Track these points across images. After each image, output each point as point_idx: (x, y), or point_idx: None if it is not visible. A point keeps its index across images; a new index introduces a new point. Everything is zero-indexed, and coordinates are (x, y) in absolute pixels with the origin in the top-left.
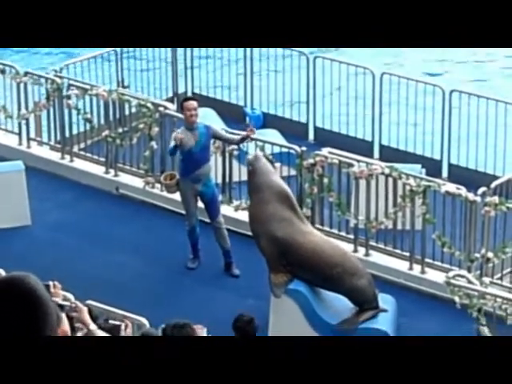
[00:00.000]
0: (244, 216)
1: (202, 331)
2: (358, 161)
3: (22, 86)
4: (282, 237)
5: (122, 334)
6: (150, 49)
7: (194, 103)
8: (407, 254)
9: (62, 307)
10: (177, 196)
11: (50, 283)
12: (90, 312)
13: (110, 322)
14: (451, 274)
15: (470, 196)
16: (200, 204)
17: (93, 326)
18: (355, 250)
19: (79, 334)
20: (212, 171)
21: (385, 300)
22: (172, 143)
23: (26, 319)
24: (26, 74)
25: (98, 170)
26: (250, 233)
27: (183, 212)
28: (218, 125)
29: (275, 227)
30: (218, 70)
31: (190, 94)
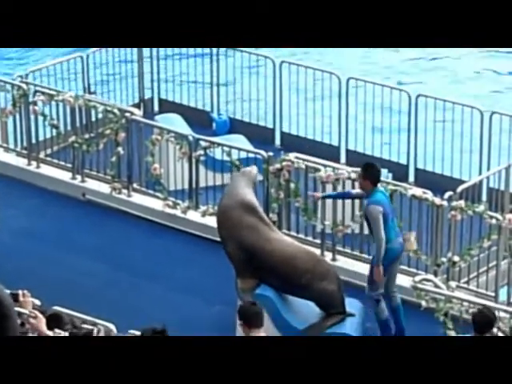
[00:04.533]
0: (211, 221)
1: None
2: (325, 166)
3: None
4: (249, 244)
5: None
6: (116, 54)
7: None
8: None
9: (19, 314)
10: (142, 201)
11: (20, 292)
12: (59, 318)
13: (84, 326)
14: (418, 278)
15: (437, 200)
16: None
17: (50, 334)
18: (322, 255)
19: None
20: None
21: (352, 305)
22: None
23: None
24: None
25: (64, 175)
26: (217, 238)
27: (150, 218)
28: (185, 130)
29: (242, 234)
30: (184, 75)
31: (156, 99)
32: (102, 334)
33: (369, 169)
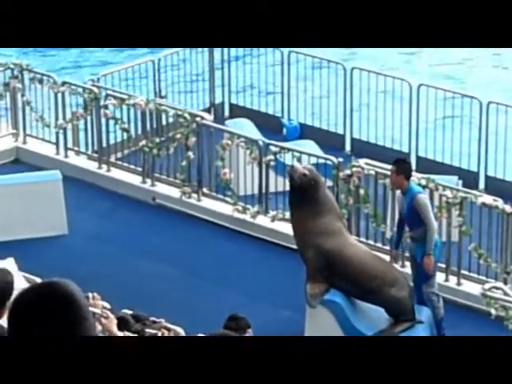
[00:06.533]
0: (280, 226)
1: None
2: None
3: (59, 95)
4: (330, 249)
5: None
6: (188, 59)
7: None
8: (443, 265)
9: (93, 314)
10: (212, 205)
11: (90, 295)
12: (127, 322)
13: (147, 330)
14: (487, 285)
15: (507, 208)
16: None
17: (120, 334)
18: (391, 262)
19: None
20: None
21: (421, 311)
22: None
23: (63, 321)
24: (63, 83)
25: (134, 179)
26: (286, 243)
27: (220, 222)
28: (255, 135)
29: (325, 240)
30: (255, 80)
31: (226, 104)
32: None
33: (401, 164)
